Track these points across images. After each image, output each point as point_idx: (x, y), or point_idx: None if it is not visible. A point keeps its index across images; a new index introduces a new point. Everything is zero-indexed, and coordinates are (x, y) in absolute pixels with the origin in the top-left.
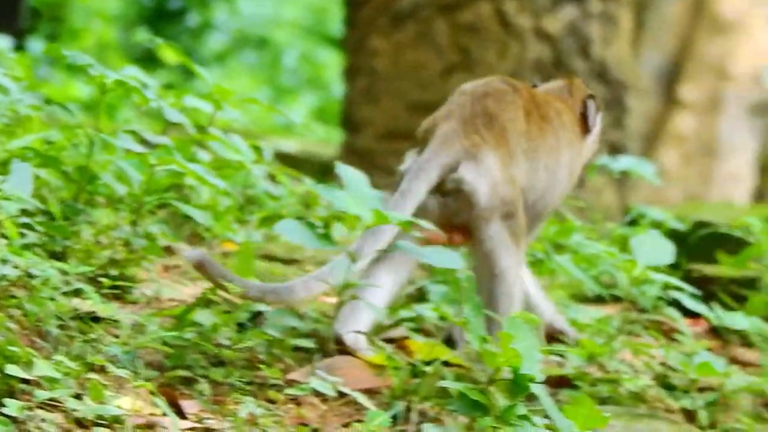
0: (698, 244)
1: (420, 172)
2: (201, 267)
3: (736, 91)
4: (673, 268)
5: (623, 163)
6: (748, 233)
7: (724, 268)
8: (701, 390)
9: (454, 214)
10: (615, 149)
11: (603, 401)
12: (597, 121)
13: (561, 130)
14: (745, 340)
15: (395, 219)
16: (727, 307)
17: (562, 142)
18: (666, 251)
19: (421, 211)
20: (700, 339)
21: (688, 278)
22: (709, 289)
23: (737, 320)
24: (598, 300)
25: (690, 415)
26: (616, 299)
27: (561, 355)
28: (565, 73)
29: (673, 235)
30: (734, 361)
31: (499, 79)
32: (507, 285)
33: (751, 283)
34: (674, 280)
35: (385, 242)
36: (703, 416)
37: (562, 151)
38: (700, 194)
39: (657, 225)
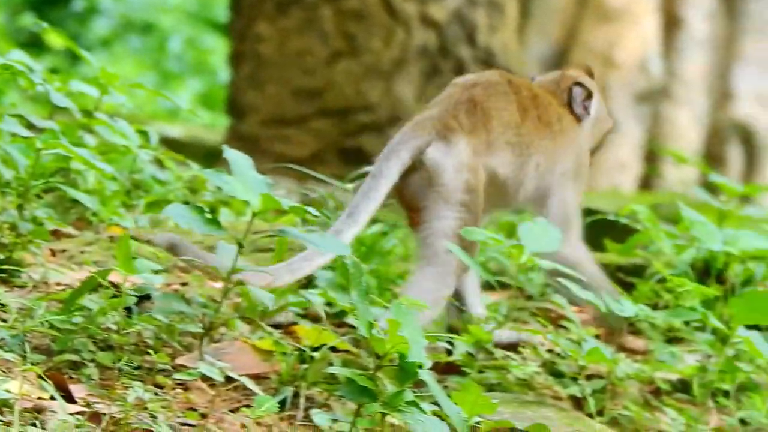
0: (585, 231)
1: (391, 154)
2: (173, 250)
3: (622, 79)
4: None
5: None
6: (634, 221)
7: (611, 255)
8: (589, 377)
9: (418, 193)
10: None
11: (491, 388)
12: (591, 107)
13: (560, 135)
14: (633, 327)
15: (286, 205)
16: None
17: (560, 148)
18: (553, 238)
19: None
20: (587, 326)
21: None
22: None
23: (625, 307)
24: (486, 287)
25: (578, 402)
26: (504, 286)
27: (449, 342)
28: (575, 65)
29: None
30: (622, 348)
31: (498, 72)
32: (441, 276)
33: (638, 271)
34: (562, 267)
35: (363, 222)
36: (591, 403)
37: (559, 157)
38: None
39: None
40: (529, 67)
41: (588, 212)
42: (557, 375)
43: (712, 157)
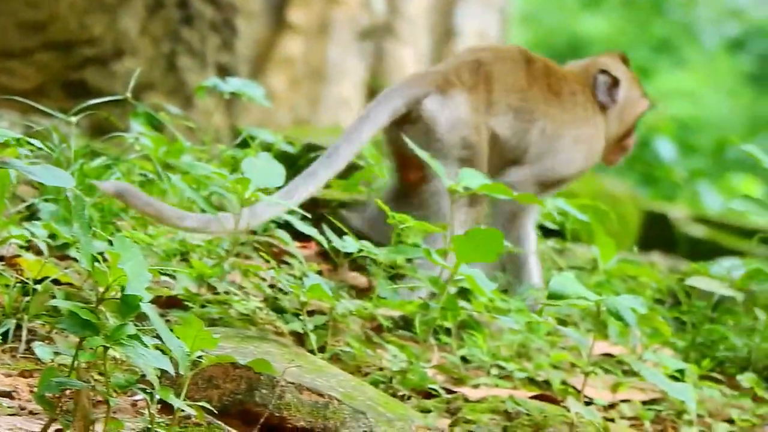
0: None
1: (383, 99)
2: (122, 197)
3: (345, 15)
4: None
5: (233, 85)
6: (358, 157)
7: (333, 191)
8: (311, 313)
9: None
10: (224, 71)
11: (213, 323)
12: (617, 95)
13: (572, 106)
14: (355, 263)
15: (5, 136)
16: (337, 231)
17: (568, 118)
18: (277, 174)
19: (382, 142)
20: (310, 262)
21: None
22: (319, 213)
23: (347, 244)
24: None
25: (300, 338)
26: None
27: (172, 276)
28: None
29: (283, 157)
30: (344, 284)
31: (517, 47)
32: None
33: (362, 207)
34: (284, 202)
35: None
36: (312, 339)
37: (568, 126)
38: (308, 118)
39: (267, 147)
40: (253, 2)
41: (309, 148)
42: (279, 311)
43: None
